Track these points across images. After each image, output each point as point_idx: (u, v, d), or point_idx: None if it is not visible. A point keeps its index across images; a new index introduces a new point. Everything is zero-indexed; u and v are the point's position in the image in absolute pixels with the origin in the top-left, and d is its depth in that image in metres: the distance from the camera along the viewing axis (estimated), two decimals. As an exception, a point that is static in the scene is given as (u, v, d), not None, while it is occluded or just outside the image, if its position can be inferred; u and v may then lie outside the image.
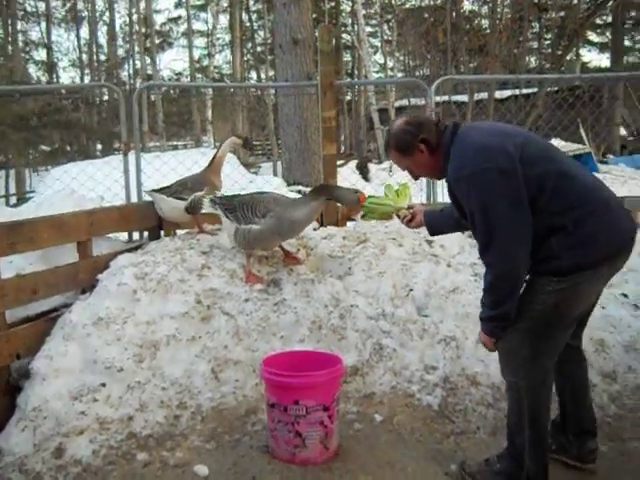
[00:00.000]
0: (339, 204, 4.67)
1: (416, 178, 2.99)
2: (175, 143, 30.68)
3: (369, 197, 3.66)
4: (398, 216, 3.42)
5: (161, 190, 4.65)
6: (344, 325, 3.90)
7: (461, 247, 4.78)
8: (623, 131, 20.41)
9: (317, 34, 4.96)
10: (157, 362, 3.58)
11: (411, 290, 4.15)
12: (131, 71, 31.09)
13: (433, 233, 3.34)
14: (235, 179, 6.21)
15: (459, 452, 3.19)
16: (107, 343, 3.58)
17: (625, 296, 4.26)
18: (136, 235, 5.08)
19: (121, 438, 3.22)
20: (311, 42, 12.61)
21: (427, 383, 3.65)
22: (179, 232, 4.82)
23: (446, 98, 13.74)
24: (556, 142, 14.76)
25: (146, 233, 4.98)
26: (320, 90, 4.90)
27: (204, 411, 3.43)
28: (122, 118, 4.99)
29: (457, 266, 4.40)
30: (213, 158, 4.72)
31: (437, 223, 3.22)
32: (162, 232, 4.89)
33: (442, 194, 5.66)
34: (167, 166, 5.17)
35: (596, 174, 10.91)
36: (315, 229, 4.88)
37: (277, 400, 2.93)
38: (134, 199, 5.07)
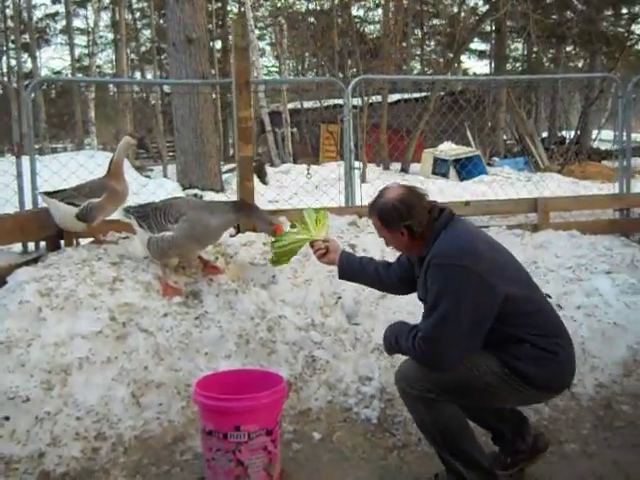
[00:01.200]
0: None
1: (388, 245, 2.84)
2: (54, 145, 29.10)
3: (277, 240, 3.36)
4: (311, 245, 3.20)
5: (53, 194, 4.22)
6: (273, 338, 3.66)
7: (383, 251, 4.66)
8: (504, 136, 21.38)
9: (230, 29, 4.68)
10: (69, 389, 3.19)
11: (340, 298, 3.98)
12: (4, 69, 29.18)
13: (343, 277, 3.16)
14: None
15: (405, 467, 3.03)
16: (9, 370, 3.14)
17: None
18: (31, 246, 4.59)
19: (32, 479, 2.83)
20: (205, 41, 12.24)
21: (364, 395, 3.48)
22: (83, 242, 4.39)
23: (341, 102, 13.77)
24: (447, 145, 15.21)
25: (43, 243, 4.51)
26: (235, 89, 4.62)
27: (126, 441, 3.08)
28: (14, 116, 4.49)
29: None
30: (110, 162, 4.31)
31: (352, 270, 3.09)
32: (62, 242, 4.44)
33: (360, 199, 5.56)
34: (67, 169, 4.70)
35: (485, 176, 11.24)
36: (232, 235, 4.61)
37: (215, 427, 2.65)
38: (29, 206, 4.57)
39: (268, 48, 29.47)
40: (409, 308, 3.92)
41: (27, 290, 3.49)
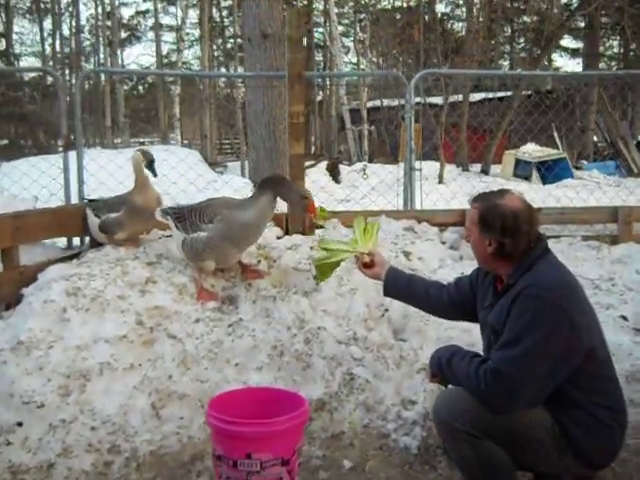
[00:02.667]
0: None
1: (467, 240, 2.57)
2: (141, 140, 29.90)
3: (320, 241, 3.16)
4: (356, 257, 2.98)
5: (91, 202, 4.16)
6: (310, 351, 3.37)
7: (441, 260, 4.32)
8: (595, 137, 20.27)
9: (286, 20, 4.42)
10: (87, 396, 3.01)
11: (386, 310, 3.64)
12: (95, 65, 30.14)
13: (388, 294, 2.94)
14: (191, 179, 5.62)
15: (443, 507, 2.70)
16: (27, 372, 3.00)
17: (625, 319, 3.81)
18: (77, 241, 4.49)
19: (37, 492, 2.66)
20: (281, 36, 12.03)
21: (404, 421, 3.13)
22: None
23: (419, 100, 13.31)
24: (531, 146, 14.48)
25: (88, 239, 4.39)
26: (287, 81, 4.36)
27: (141, 456, 2.86)
28: (61, 107, 4.39)
29: (438, 282, 3.91)
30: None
31: (398, 287, 2.87)
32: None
33: (420, 202, 5.20)
34: (114, 164, 4.58)
35: (572, 180, 10.58)
36: (279, 237, 4.35)
37: (224, 452, 2.39)
38: (75, 201, 4.47)
39: (352, 45, 29.12)
40: (464, 325, 3.53)
41: (54, 289, 3.34)
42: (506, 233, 2.29)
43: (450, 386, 2.48)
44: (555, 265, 2.35)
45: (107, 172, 4.56)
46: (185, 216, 3.64)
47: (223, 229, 3.49)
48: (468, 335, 3.49)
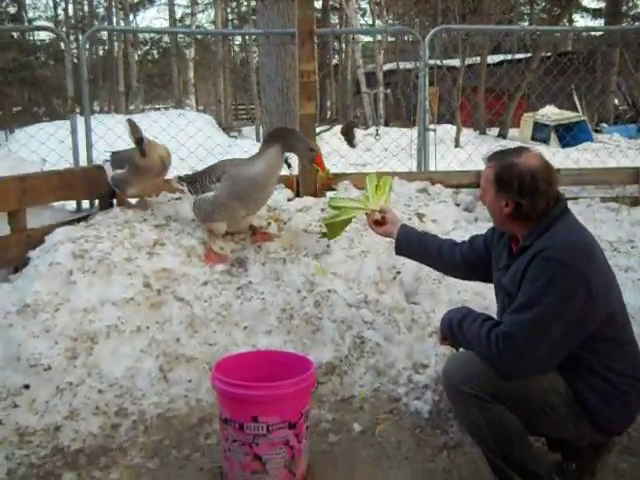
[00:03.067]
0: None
1: (483, 202, 2.44)
2: (156, 106, 29.70)
3: (331, 199, 3.09)
4: (367, 214, 2.89)
5: (113, 155, 4.06)
6: (319, 314, 3.31)
7: (456, 222, 4.22)
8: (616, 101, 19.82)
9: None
10: (94, 359, 2.98)
11: (398, 273, 3.57)
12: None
13: (400, 252, 2.85)
14: (204, 144, 5.53)
15: (454, 471, 2.64)
16: (34, 335, 2.98)
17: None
18: (86, 204, 4.43)
19: (45, 454, 2.63)
20: (296, -2, 11.80)
21: (416, 385, 3.08)
22: (134, 201, 4.17)
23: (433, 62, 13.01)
24: (550, 109, 14.19)
25: (97, 202, 4.33)
26: (298, 39, 4.23)
27: (148, 419, 2.84)
28: (68, 68, 4.29)
29: (452, 245, 3.81)
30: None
31: (410, 245, 2.78)
32: (115, 201, 4.24)
33: (434, 164, 5.08)
34: (121, 125, 4.48)
35: (592, 143, 10.35)
36: (289, 200, 4.28)
37: (231, 415, 2.35)
38: (83, 164, 4.40)
39: (367, 7, 28.56)
40: (478, 288, 3.46)
41: (60, 251, 3.30)
42: (523, 193, 2.17)
43: (462, 349, 2.41)
44: (574, 227, 2.24)
45: (116, 135, 4.47)
46: (196, 178, 3.60)
47: (230, 186, 3.42)
48: (481, 298, 3.41)
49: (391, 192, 3.01)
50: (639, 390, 2.21)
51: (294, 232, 3.85)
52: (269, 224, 3.90)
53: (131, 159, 3.75)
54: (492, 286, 2.58)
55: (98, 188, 4.11)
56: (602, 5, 27.90)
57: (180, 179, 3.81)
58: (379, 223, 2.86)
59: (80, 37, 27.23)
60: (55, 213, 4.07)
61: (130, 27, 20.09)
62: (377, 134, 11.11)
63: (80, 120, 4.38)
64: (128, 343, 3.06)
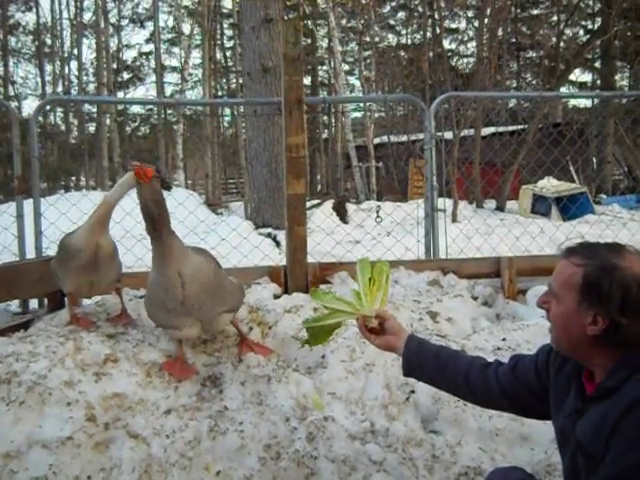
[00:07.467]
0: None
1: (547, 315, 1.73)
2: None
3: (313, 293, 2.29)
4: (358, 320, 2.14)
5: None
6: (314, 451, 2.56)
7: (474, 320, 3.54)
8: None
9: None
10: (10, 529, 2.23)
11: (412, 392, 2.85)
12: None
13: (410, 374, 2.13)
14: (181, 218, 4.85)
15: None
16: None
17: None
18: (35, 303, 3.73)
19: None
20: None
21: None
22: (87, 302, 3.48)
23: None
24: (549, 180, 13.74)
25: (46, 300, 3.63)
26: (284, 108, 3.64)
27: None
28: (15, 143, 3.65)
29: (475, 351, 3.10)
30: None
31: (424, 366, 2.07)
32: (66, 300, 3.53)
33: (445, 249, 4.45)
34: (77, 208, 3.82)
35: (593, 215, 9.73)
36: (276, 296, 3.59)
37: None
38: (31, 254, 3.72)
39: (357, 83, 28.76)
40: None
41: (-20, 375, 2.57)
42: (626, 310, 1.52)
43: None
44: None
45: (70, 221, 3.75)
46: None
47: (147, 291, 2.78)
48: (519, 425, 2.69)
49: (388, 285, 2.26)
50: None
51: (281, 339, 3.15)
52: (251, 329, 3.20)
53: (61, 241, 3.02)
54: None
55: (48, 285, 3.40)
56: (589, 78, 28.30)
57: None
58: (376, 331, 2.15)
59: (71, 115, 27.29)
60: (-6, 315, 3.36)
61: (89, 97, 19.60)
62: (378, 216, 9.87)
63: (28, 203, 3.71)
64: (60, 503, 2.30)
